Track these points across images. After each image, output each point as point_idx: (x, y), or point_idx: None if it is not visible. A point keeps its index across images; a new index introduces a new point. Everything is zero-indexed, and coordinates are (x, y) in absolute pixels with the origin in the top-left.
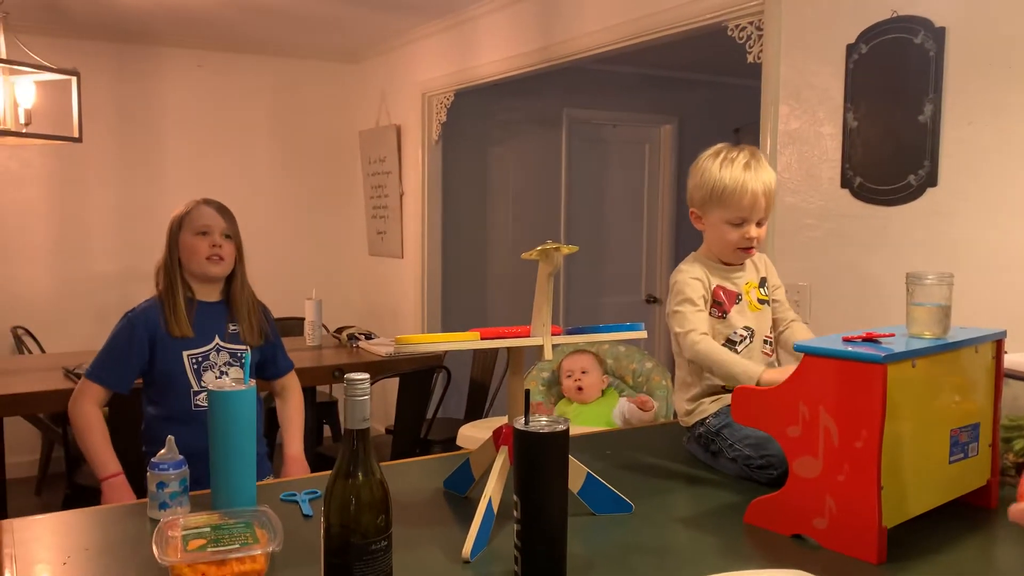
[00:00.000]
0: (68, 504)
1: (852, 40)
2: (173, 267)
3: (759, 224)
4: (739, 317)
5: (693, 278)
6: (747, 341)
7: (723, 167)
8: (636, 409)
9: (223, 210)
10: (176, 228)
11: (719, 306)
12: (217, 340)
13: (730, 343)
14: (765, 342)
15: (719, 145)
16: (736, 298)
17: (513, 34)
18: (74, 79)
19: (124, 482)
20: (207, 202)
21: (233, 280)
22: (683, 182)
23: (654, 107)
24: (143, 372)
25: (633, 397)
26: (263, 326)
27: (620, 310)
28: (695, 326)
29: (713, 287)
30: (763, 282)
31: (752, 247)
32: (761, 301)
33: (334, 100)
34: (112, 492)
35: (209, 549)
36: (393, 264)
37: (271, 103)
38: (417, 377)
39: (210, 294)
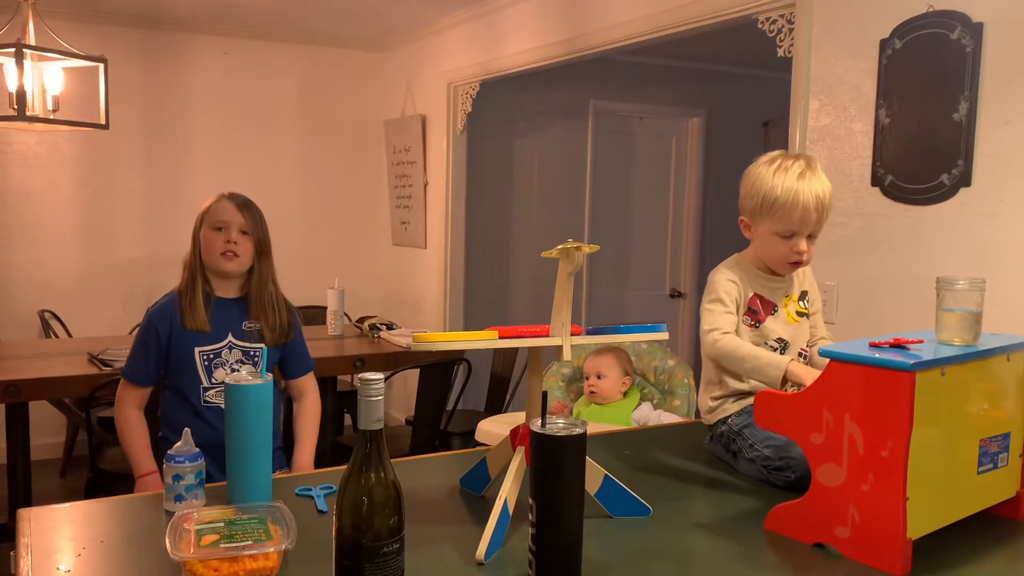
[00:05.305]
0: (91, 488)
1: (886, 35)
2: (195, 261)
3: (810, 237)
4: (774, 327)
5: (729, 280)
6: (778, 352)
7: (776, 175)
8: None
9: (245, 206)
10: (199, 222)
11: (754, 314)
12: (230, 338)
13: None
14: (800, 355)
15: (774, 152)
16: (772, 308)
17: (540, 25)
18: (101, 66)
19: (157, 480)
20: (230, 197)
21: (252, 277)
22: (710, 176)
23: (682, 100)
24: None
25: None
26: (285, 326)
27: (644, 304)
28: (719, 325)
29: (750, 295)
30: (803, 295)
31: (801, 261)
32: (800, 314)
33: (360, 89)
34: (144, 489)
35: (222, 545)
36: (416, 254)
37: (297, 91)
38: (438, 369)
39: (228, 290)
